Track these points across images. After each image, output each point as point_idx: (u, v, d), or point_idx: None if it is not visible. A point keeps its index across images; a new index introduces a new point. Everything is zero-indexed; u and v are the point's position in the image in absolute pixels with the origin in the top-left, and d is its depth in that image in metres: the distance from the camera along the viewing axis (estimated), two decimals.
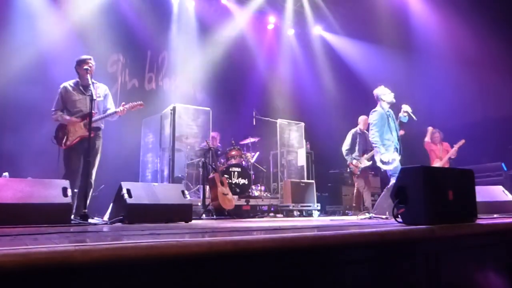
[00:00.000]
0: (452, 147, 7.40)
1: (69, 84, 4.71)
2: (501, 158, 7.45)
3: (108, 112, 4.74)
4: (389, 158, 5.26)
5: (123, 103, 4.79)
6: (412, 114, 5.51)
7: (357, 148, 7.10)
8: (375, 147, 5.42)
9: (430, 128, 7.59)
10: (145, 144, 8.03)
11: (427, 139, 7.55)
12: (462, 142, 7.27)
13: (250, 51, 10.12)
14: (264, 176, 8.33)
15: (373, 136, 5.41)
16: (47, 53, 6.96)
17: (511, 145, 7.45)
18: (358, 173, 6.99)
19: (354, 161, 7.03)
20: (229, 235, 1.74)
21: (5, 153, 6.08)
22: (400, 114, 5.54)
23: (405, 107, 5.53)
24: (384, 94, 5.55)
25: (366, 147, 7.16)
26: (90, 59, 4.64)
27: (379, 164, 5.38)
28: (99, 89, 4.73)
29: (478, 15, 7.76)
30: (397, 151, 5.45)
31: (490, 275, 2.55)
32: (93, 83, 4.53)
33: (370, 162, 7.04)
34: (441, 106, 8.55)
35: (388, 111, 5.54)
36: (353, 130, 7.31)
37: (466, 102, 8.26)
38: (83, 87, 4.69)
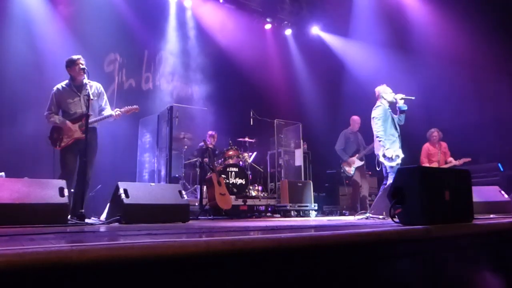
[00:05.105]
0: (451, 154, 7.41)
1: (61, 85, 4.65)
2: (497, 158, 7.48)
3: (104, 113, 4.71)
4: (393, 154, 5.20)
5: (117, 109, 4.75)
6: (408, 96, 5.55)
7: (349, 149, 7.30)
8: (380, 141, 5.29)
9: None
10: (142, 144, 8.01)
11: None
12: (467, 159, 7.17)
13: (247, 51, 10.11)
14: (261, 176, 8.32)
15: (378, 130, 5.33)
16: (43, 53, 6.93)
17: (508, 146, 7.48)
18: (352, 173, 7.19)
19: (347, 167, 7.29)
20: (227, 235, 1.74)
21: (1, 153, 6.06)
22: (398, 105, 5.55)
23: (399, 95, 5.56)
24: (386, 92, 5.57)
25: (358, 147, 7.33)
26: (79, 58, 4.56)
27: (381, 158, 5.25)
28: (93, 88, 4.61)
29: (474, 16, 7.79)
30: None
31: (486, 275, 2.56)
32: (85, 83, 4.47)
33: (363, 162, 7.22)
34: (438, 107, 8.58)
35: (388, 109, 5.55)
36: (345, 131, 7.56)
37: (462, 103, 8.28)
38: (76, 87, 4.64)
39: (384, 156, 5.22)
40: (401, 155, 5.26)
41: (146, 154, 7.93)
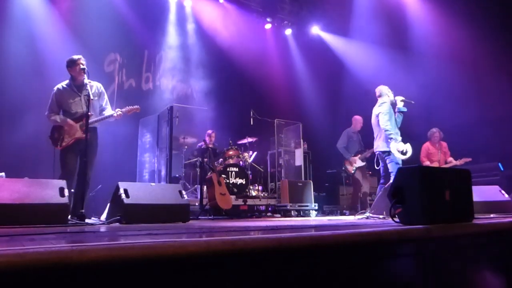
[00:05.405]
0: (450, 154, 7.40)
1: (62, 85, 4.63)
2: (497, 158, 7.48)
3: (104, 113, 4.70)
4: (403, 148, 5.24)
5: (118, 109, 4.75)
6: (407, 100, 5.62)
7: (351, 148, 7.37)
8: (389, 134, 5.32)
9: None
10: (142, 144, 8.00)
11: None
12: (468, 159, 7.17)
13: (247, 51, 10.11)
14: (261, 176, 8.32)
15: (386, 124, 5.36)
16: (43, 53, 6.93)
17: (508, 146, 7.48)
18: (353, 172, 7.27)
19: (348, 166, 7.38)
20: (227, 235, 1.74)
21: (1, 153, 6.06)
22: (398, 106, 5.58)
23: (399, 97, 5.62)
24: (389, 91, 5.63)
25: (361, 148, 7.39)
26: (80, 58, 4.55)
27: (393, 151, 5.24)
28: (93, 88, 4.60)
29: (475, 15, 7.80)
30: None
31: (486, 275, 2.56)
32: (86, 83, 4.43)
33: (364, 163, 7.28)
34: (438, 106, 8.58)
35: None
36: (348, 130, 7.62)
37: (463, 102, 8.29)
38: (76, 87, 4.62)
39: (397, 149, 5.24)
40: (410, 150, 5.28)
41: (146, 154, 7.93)
